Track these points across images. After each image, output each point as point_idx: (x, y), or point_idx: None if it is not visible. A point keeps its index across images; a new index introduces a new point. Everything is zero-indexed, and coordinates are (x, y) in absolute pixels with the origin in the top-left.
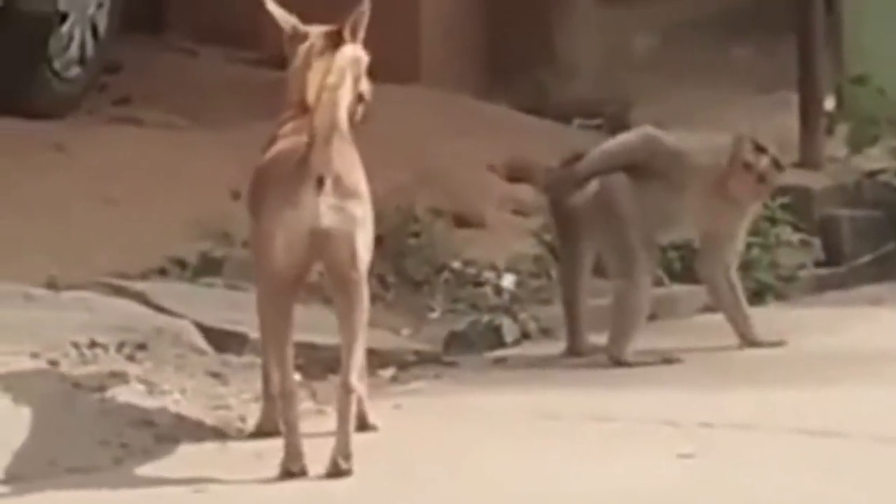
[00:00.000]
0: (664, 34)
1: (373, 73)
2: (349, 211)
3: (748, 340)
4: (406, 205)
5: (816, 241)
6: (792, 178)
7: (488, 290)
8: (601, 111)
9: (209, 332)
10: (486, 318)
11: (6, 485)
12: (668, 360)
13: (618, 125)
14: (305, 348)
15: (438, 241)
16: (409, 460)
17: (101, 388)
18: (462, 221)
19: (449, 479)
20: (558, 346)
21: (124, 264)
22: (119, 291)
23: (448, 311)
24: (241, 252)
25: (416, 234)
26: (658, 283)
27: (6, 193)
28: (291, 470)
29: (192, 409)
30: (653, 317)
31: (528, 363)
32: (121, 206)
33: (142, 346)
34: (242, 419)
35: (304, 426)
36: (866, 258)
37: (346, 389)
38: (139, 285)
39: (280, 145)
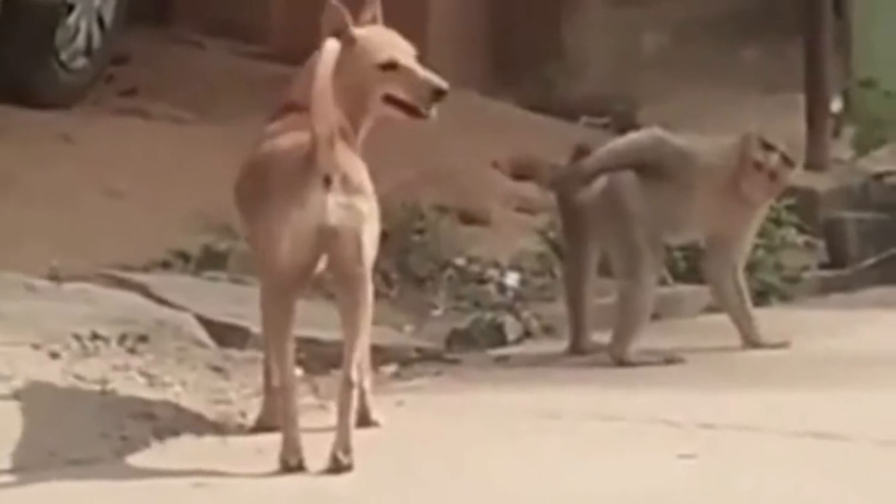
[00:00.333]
0: (673, 34)
1: None
2: (356, 207)
3: (752, 342)
4: (411, 201)
5: (821, 243)
6: (798, 179)
7: (492, 287)
8: (608, 109)
9: (211, 326)
10: (488, 315)
11: (7, 475)
12: (670, 360)
13: (625, 124)
14: (308, 343)
15: (443, 238)
16: (411, 457)
17: (103, 381)
18: (467, 218)
19: (450, 476)
20: (561, 345)
21: (127, 256)
22: (122, 283)
23: (451, 308)
24: (245, 246)
25: (421, 231)
26: (662, 282)
27: (12, 183)
28: (289, 463)
29: (193, 403)
30: (656, 316)
31: (531, 361)
32: (125, 198)
33: (143, 339)
34: (243, 414)
35: (306, 421)
36: (871, 261)
37: (347, 384)
38: (142, 277)
39: (274, 143)
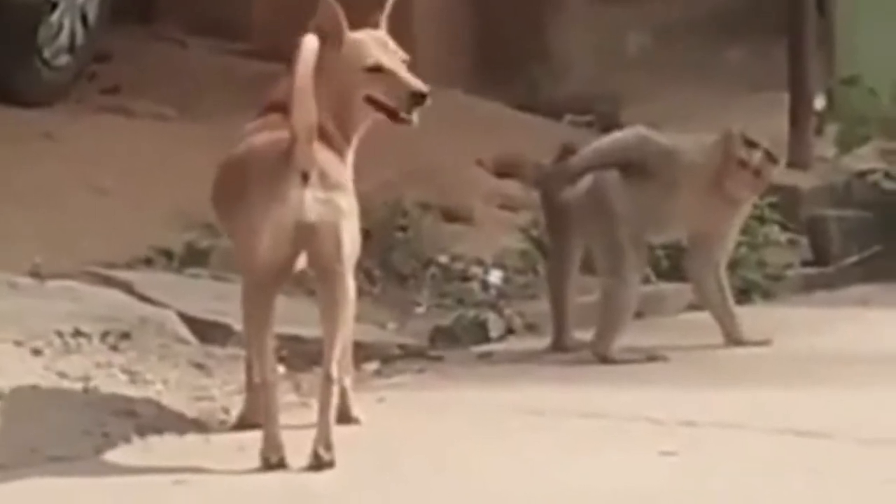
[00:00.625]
0: (657, 33)
1: None
2: (334, 203)
3: (734, 339)
4: (394, 199)
5: (804, 241)
6: (781, 177)
7: (475, 285)
8: (592, 109)
9: (194, 323)
10: (471, 313)
11: None
12: (653, 357)
13: (609, 123)
14: (290, 341)
15: (426, 236)
16: (392, 454)
17: (85, 378)
18: (450, 216)
19: (431, 473)
20: (543, 342)
21: (110, 253)
22: (105, 281)
23: (434, 305)
24: (228, 243)
25: (404, 229)
26: (645, 280)
27: None
28: (270, 460)
29: (175, 400)
30: (639, 314)
31: (513, 358)
32: (108, 196)
33: (126, 336)
34: (226, 411)
35: (288, 418)
36: (854, 258)
37: (328, 380)
38: (125, 275)
39: (253, 141)
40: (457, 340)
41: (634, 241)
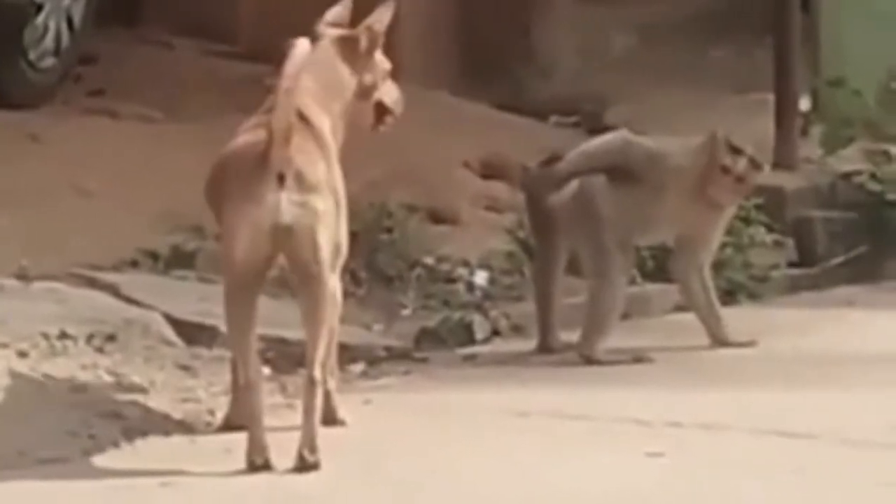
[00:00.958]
0: (641, 34)
1: None
2: (311, 205)
3: (719, 340)
4: (380, 200)
5: (790, 242)
6: (766, 178)
7: (460, 286)
8: (578, 109)
9: (179, 325)
10: (457, 314)
11: None
12: (638, 359)
13: (594, 124)
14: (275, 343)
15: (411, 237)
16: (378, 455)
17: (71, 380)
18: (436, 217)
19: (417, 475)
20: (529, 344)
21: (96, 256)
22: (91, 283)
23: (420, 307)
24: (214, 245)
25: (390, 230)
26: (630, 281)
27: None
28: (255, 462)
29: (161, 402)
30: (625, 315)
31: (499, 360)
32: (94, 198)
33: (112, 338)
34: (211, 412)
35: (274, 420)
36: (839, 259)
37: (311, 383)
38: (111, 277)
39: (238, 141)
40: (442, 342)
41: (622, 244)
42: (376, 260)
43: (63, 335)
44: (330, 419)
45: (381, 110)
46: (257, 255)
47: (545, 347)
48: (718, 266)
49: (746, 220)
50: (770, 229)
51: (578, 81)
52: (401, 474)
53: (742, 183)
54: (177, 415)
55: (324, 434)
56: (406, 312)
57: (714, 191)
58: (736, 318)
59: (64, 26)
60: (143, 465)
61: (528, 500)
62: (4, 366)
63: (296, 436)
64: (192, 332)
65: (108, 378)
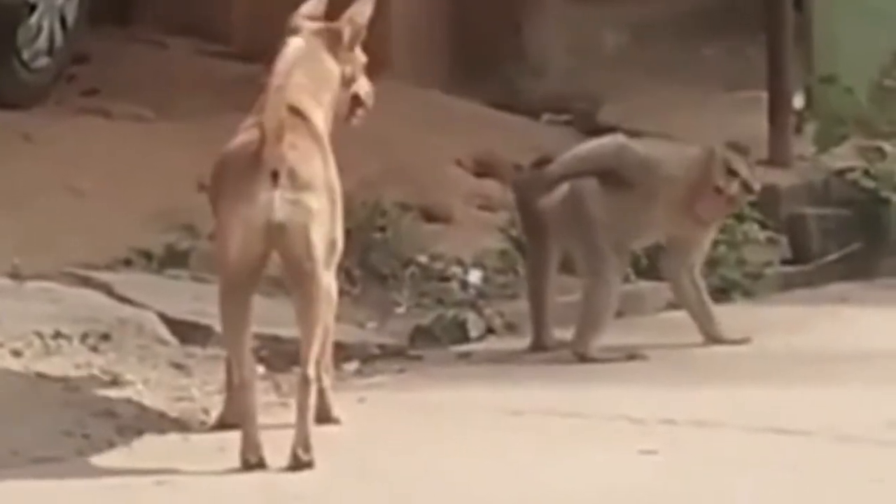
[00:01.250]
0: (634, 32)
1: None
2: (304, 204)
3: (713, 338)
4: (373, 199)
5: (783, 239)
6: (760, 176)
7: (454, 284)
8: (570, 107)
9: (173, 324)
10: (451, 312)
11: None
12: (632, 356)
13: (586, 122)
14: (269, 341)
15: (405, 236)
16: (372, 453)
17: (65, 379)
18: (429, 216)
19: (411, 472)
20: (523, 342)
21: (90, 255)
22: (84, 282)
23: (414, 305)
24: (207, 244)
25: (383, 229)
26: (624, 279)
27: None
28: (249, 461)
29: (156, 401)
30: (618, 313)
31: (493, 358)
32: (87, 197)
33: (106, 337)
34: (206, 411)
35: (269, 418)
36: (833, 256)
37: (305, 381)
38: (105, 276)
39: (236, 139)
40: (436, 340)
41: (616, 247)
42: (370, 258)
43: (57, 334)
44: (324, 417)
45: (356, 103)
46: (251, 253)
47: (539, 345)
48: (712, 263)
49: (740, 218)
50: (764, 226)
51: (571, 79)
52: (395, 472)
53: (731, 203)
54: (171, 413)
55: (318, 432)
56: (400, 310)
57: (702, 208)
58: (730, 316)
59: (57, 26)
60: (138, 464)
61: (521, 498)
62: None
63: (290, 434)
64: (186, 331)
65: (102, 377)
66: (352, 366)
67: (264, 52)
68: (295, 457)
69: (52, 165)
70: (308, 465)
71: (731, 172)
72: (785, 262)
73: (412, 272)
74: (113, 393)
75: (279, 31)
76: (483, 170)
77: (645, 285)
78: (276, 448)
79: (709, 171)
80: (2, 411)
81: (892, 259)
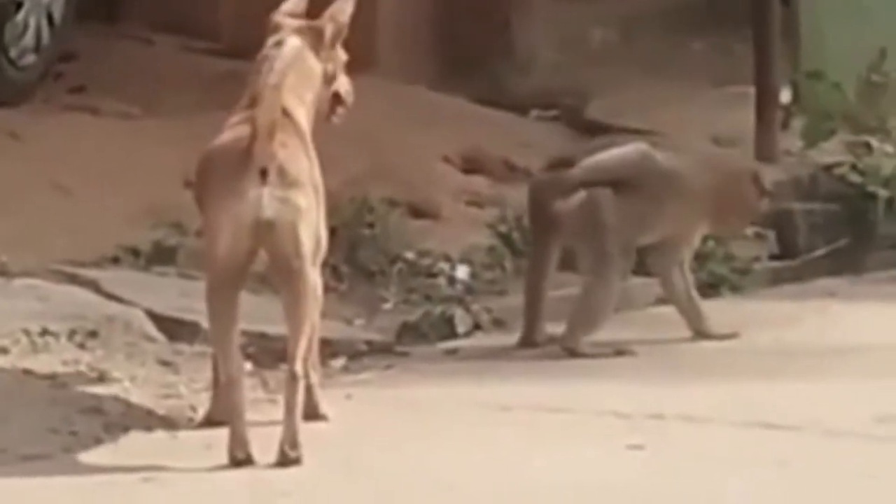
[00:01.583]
0: (621, 27)
1: None
2: (293, 201)
3: (701, 333)
4: (360, 195)
5: (771, 235)
6: None
7: (442, 281)
8: (558, 103)
9: (161, 321)
10: (438, 308)
11: None
12: (620, 352)
13: (574, 118)
14: (257, 338)
15: (393, 232)
16: (359, 450)
17: (52, 376)
18: (417, 212)
19: (399, 469)
20: (511, 338)
21: (77, 252)
22: (72, 279)
23: (401, 301)
24: (195, 241)
25: (371, 225)
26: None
27: None
28: (237, 457)
29: (143, 398)
30: None
31: (481, 354)
32: (74, 194)
33: (93, 334)
34: (193, 408)
35: (256, 415)
36: (821, 252)
37: (293, 378)
38: (92, 273)
39: (223, 136)
40: (424, 336)
41: (624, 250)
42: (357, 255)
43: (44, 332)
44: (312, 414)
45: (336, 101)
46: (239, 250)
47: (528, 341)
48: (700, 258)
49: None
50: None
51: (558, 75)
52: (382, 468)
53: (754, 217)
54: (158, 410)
55: (305, 429)
56: (387, 307)
57: (714, 223)
58: (718, 311)
59: (44, 23)
60: (125, 461)
61: (509, 493)
62: None
63: (277, 431)
64: (173, 328)
65: (89, 374)
66: (339, 362)
67: (251, 49)
68: (282, 453)
69: (39, 163)
70: (296, 461)
71: (763, 191)
72: (772, 257)
73: (399, 268)
74: (100, 390)
75: (266, 29)
76: (470, 166)
77: (634, 281)
78: (264, 445)
79: (739, 187)
80: None
81: (880, 254)
